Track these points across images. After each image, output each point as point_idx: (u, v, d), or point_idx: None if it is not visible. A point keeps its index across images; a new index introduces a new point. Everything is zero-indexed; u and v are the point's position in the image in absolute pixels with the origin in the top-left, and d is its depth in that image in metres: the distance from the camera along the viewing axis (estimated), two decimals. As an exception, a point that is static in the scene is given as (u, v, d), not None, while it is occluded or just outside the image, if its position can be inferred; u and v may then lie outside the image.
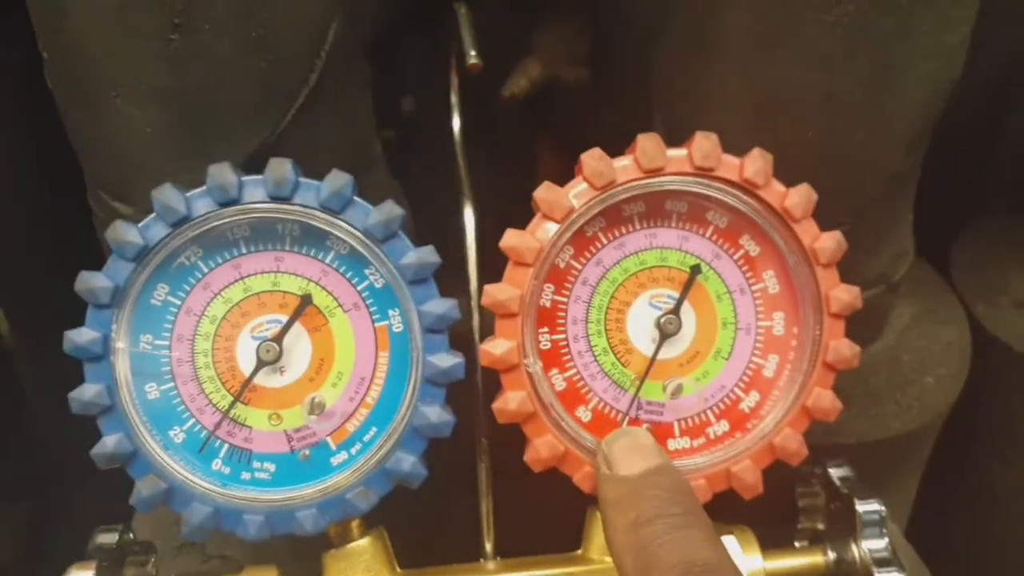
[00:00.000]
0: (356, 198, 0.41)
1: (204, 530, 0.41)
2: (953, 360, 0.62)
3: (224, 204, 0.40)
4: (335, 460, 0.43)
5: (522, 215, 0.43)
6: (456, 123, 0.55)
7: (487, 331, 0.43)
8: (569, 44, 0.76)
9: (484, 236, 0.48)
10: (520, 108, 0.75)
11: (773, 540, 0.47)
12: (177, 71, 0.42)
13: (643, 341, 0.44)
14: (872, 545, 0.44)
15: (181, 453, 0.42)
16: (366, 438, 0.43)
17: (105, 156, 0.46)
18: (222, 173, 0.40)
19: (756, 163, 0.43)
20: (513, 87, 0.74)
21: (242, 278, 0.42)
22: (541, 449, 0.42)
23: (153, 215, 0.40)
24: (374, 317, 0.43)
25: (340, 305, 0.43)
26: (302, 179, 0.41)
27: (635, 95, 0.59)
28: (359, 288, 0.43)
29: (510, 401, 0.42)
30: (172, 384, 0.42)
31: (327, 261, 0.42)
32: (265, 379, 0.42)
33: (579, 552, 0.46)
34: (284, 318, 0.42)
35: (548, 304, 0.43)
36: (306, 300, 0.42)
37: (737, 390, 0.45)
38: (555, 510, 0.48)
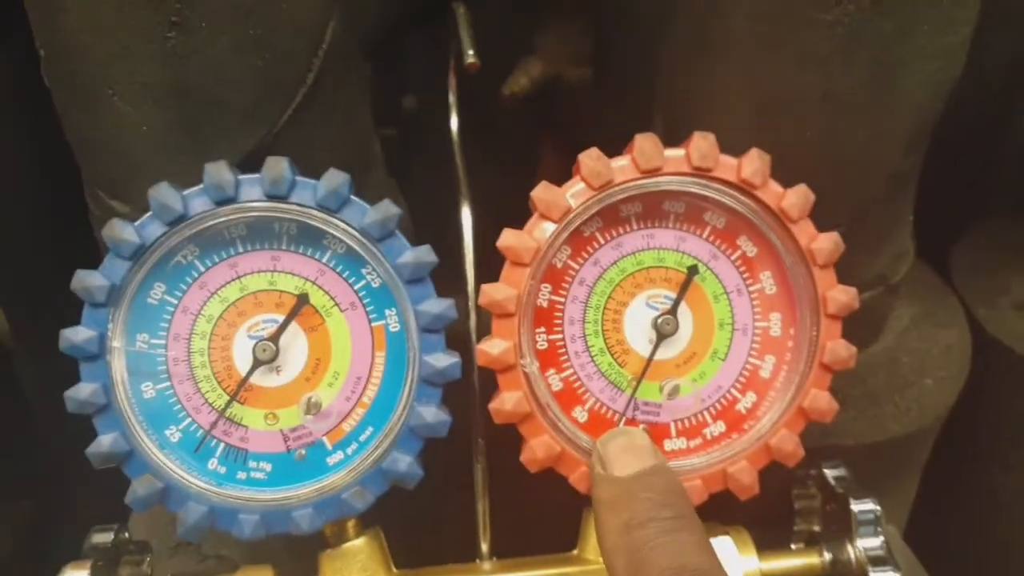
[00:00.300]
0: (353, 197, 0.41)
1: (200, 529, 0.41)
2: (953, 362, 0.62)
3: (221, 203, 0.40)
4: (331, 460, 0.43)
5: (523, 216, 0.43)
6: (454, 123, 0.55)
7: (484, 331, 0.43)
8: (571, 44, 0.76)
9: (484, 237, 0.48)
10: (521, 108, 0.75)
11: (769, 541, 0.47)
12: (174, 69, 0.42)
13: (640, 342, 0.44)
14: (867, 544, 0.44)
15: (177, 452, 0.42)
16: (362, 438, 0.43)
17: (102, 154, 0.46)
18: (219, 171, 0.40)
19: (754, 163, 0.43)
20: (513, 85, 0.74)
21: (239, 277, 0.42)
22: (537, 449, 0.42)
23: (150, 213, 0.40)
24: (371, 317, 0.43)
25: (337, 304, 0.43)
26: (299, 178, 0.41)
27: (637, 95, 0.59)
28: (356, 287, 0.43)
29: (506, 401, 0.42)
30: (168, 383, 0.42)
31: (324, 260, 0.42)
32: (261, 379, 0.42)
33: (575, 553, 0.46)
34: (281, 317, 0.42)
35: (545, 304, 0.43)
36: (303, 299, 0.42)
37: (734, 391, 0.45)
38: (552, 511, 0.47)
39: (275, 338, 0.42)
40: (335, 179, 0.40)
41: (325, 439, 0.43)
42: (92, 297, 0.40)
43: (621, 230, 0.44)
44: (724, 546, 0.45)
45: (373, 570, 0.44)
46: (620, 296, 0.44)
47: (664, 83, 0.57)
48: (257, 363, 0.42)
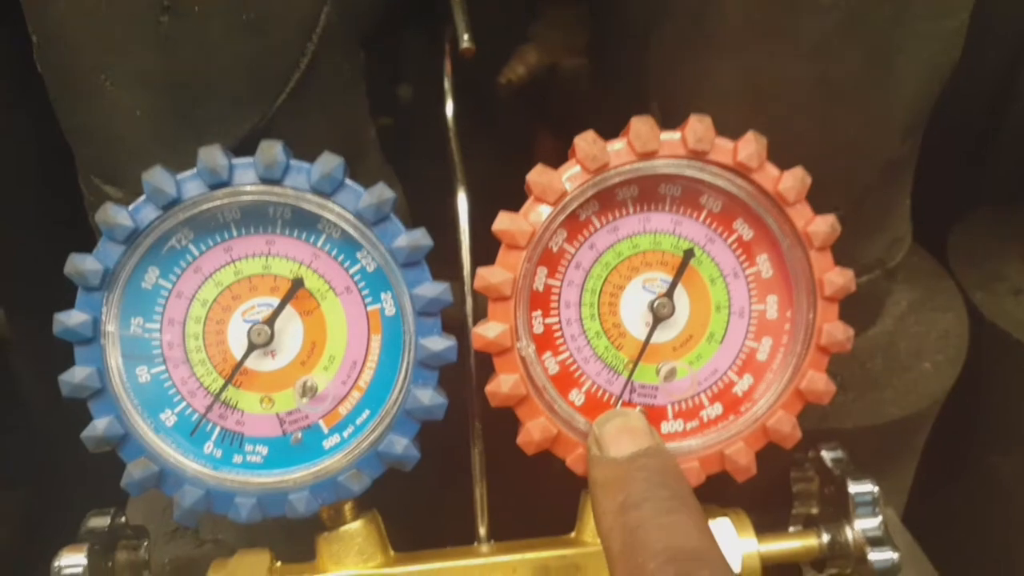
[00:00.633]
0: (348, 181, 0.41)
1: (196, 513, 0.41)
2: (950, 346, 0.62)
3: (215, 186, 0.40)
4: (327, 443, 0.43)
5: (518, 203, 0.43)
6: (449, 108, 0.55)
7: (480, 317, 0.43)
8: (566, 33, 0.76)
9: (481, 224, 0.48)
10: (517, 97, 0.75)
11: (767, 524, 0.47)
12: (166, 54, 0.41)
13: (636, 325, 0.44)
14: (865, 525, 0.44)
15: (172, 436, 0.42)
16: (359, 421, 0.43)
17: (95, 140, 0.46)
18: (212, 155, 0.40)
19: (750, 146, 0.43)
20: (510, 74, 0.74)
21: (233, 261, 0.42)
22: (534, 432, 0.42)
23: (143, 197, 0.40)
24: (366, 300, 0.43)
25: (332, 288, 0.43)
26: (293, 161, 0.41)
27: (632, 83, 0.59)
28: (351, 271, 0.43)
29: (503, 384, 0.42)
30: (163, 367, 0.42)
31: (318, 244, 0.42)
32: (257, 362, 0.42)
33: (572, 535, 0.46)
34: (275, 301, 0.42)
35: (541, 288, 0.43)
36: (297, 283, 0.42)
37: (730, 373, 0.45)
38: (549, 495, 0.47)
39: (270, 322, 0.42)
40: (329, 163, 0.40)
41: (321, 422, 0.43)
42: (86, 281, 0.40)
43: (617, 213, 0.44)
44: (723, 528, 0.45)
45: (370, 553, 0.44)
46: (616, 279, 0.44)
47: (659, 70, 0.57)
48: (252, 347, 0.42)
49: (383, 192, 0.41)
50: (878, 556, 0.44)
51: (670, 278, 0.44)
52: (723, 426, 0.45)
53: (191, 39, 0.41)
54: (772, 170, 0.43)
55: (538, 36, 0.76)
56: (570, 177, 0.42)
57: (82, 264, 0.40)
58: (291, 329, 0.42)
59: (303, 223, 0.42)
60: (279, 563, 0.45)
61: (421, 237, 0.41)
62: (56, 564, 0.41)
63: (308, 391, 0.42)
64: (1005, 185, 0.81)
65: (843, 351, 0.44)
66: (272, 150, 0.40)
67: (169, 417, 0.42)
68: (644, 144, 0.42)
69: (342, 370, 0.43)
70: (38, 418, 0.75)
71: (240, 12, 0.42)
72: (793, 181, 0.43)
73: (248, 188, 0.41)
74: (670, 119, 0.44)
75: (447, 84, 0.54)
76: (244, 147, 0.43)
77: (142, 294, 0.42)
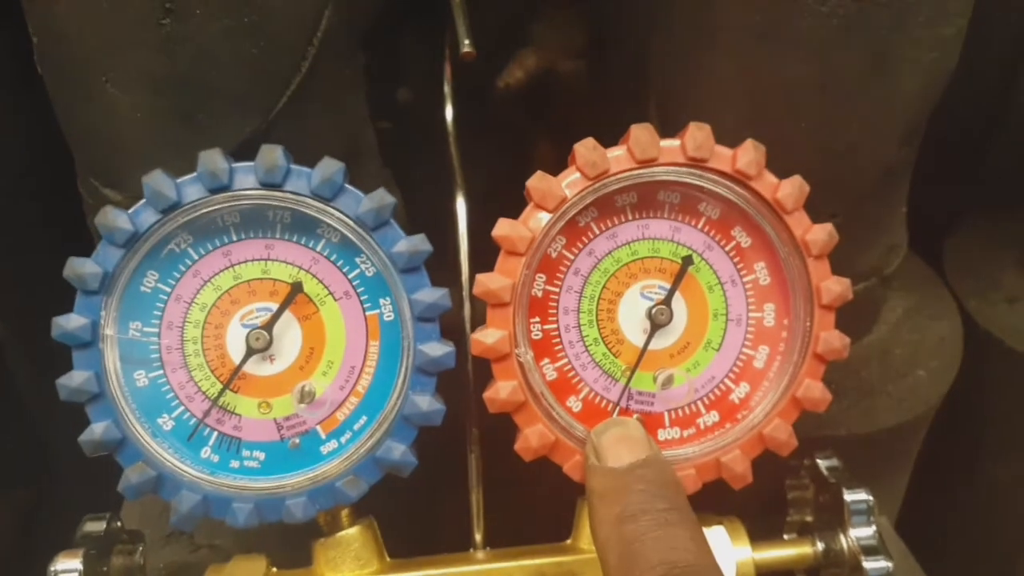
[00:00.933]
0: (348, 186, 0.41)
1: (193, 518, 0.41)
2: (945, 354, 0.62)
3: (214, 190, 0.40)
4: (325, 448, 0.43)
5: (516, 209, 0.43)
6: (449, 112, 0.55)
7: (478, 323, 0.43)
8: (565, 36, 0.76)
9: (480, 229, 0.48)
10: (516, 101, 0.75)
11: (762, 532, 0.47)
12: (168, 56, 0.41)
13: (634, 332, 0.44)
14: (860, 533, 0.44)
15: (170, 441, 0.42)
16: (356, 426, 0.43)
17: (95, 142, 0.46)
18: (212, 159, 0.40)
19: (748, 154, 0.43)
20: (509, 78, 0.74)
21: (232, 265, 0.42)
22: (531, 438, 0.42)
23: (143, 201, 0.40)
24: (365, 306, 0.43)
25: (331, 293, 0.43)
26: (293, 166, 0.41)
27: (632, 87, 0.59)
28: (350, 276, 0.43)
29: (501, 390, 0.42)
30: (161, 371, 0.42)
31: (318, 249, 0.42)
32: (255, 367, 0.42)
33: (568, 542, 0.46)
34: (274, 306, 0.42)
35: (540, 294, 0.43)
36: (296, 288, 0.42)
37: (727, 381, 0.45)
38: (545, 502, 0.48)
39: (269, 326, 0.42)
40: (330, 167, 0.40)
41: (319, 428, 0.43)
42: (85, 284, 0.40)
43: (616, 220, 0.44)
44: (718, 536, 0.45)
45: (367, 559, 0.44)
46: (615, 286, 0.44)
47: (658, 74, 0.57)
48: (251, 351, 0.42)
49: (383, 197, 0.41)
50: (872, 565, 0.44)
51: (668, 285, 0.44)
52: (720, 434, 0.45)
53: (192, 41, 0.41)
54: (770, 178, 0.43)
55: (537, 40, 0.76)
56: (569, 183, 0.42)
57: (81, 267, 0.40)
58: (290, 334, 0.42)
59: (303, 228, 0.42)
60: (275, 569, 0.45)
61: (420, 242, 0.41)
62: (52, 569, 0.41)
63: (306, 396, 0.42)
64: (999, 194, 0.81)
65: (840, 359, 0.44)
66: (273, 154, 0.40)
67: (167, 421, 0.42)
68: (644, 151, 0.42)
69: (340, 375, 0.43)
70: (36, 420, 0.75)
71: (241, 15, 0.42)
72: (791, 189, 0.43)
73: (248, 192, 0.40)
74: (668, 121, 0.44)
75: (447, 88, 0.55)
76: (244, 150, 0.43)
77: (141, 298, 0.41)
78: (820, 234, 0.44)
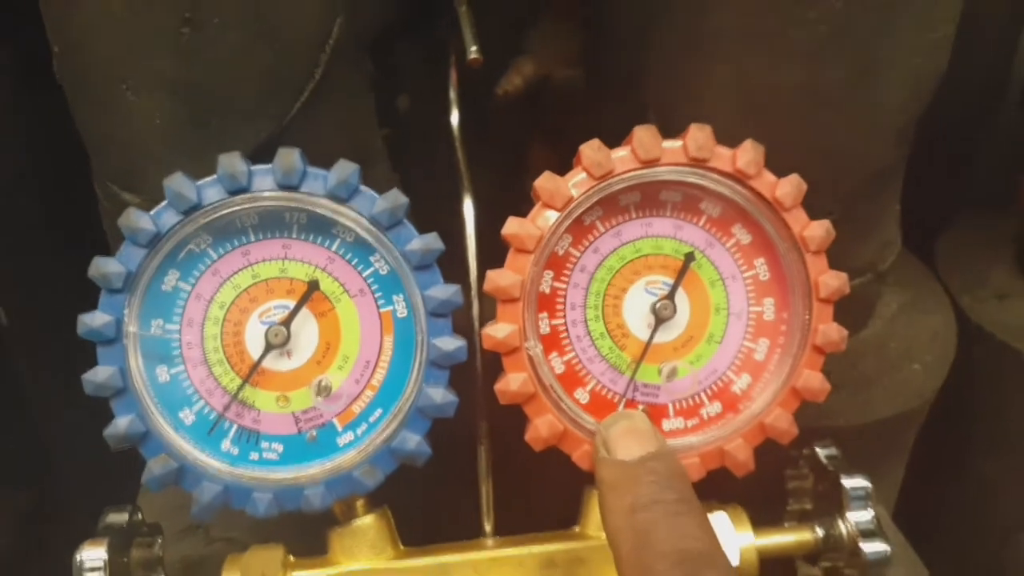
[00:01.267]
0: (362, 187, 0.42)
1: (214, 508, 0.42)
2: (939, 348, 0.64)
3: (234, 192, 0.42)
4: (341, 440, 0.44)
5: (513, 211, 0.44)
6: (455, 118, 0.56)
7: (485, 321, 0.44)
8: (561, 44, 0.77)
9: (477, 231, 0.49)
10: (513, 106, 0.76)
11: (763, 522, 0.49)
12: (187, 64, 0.43)
13: (639, 326, 0.46)
14: (858, 518, 0.46)
15: (191, 434, 0.43)
16: (372, 419, 0.44)
17: (114, 147, 0.47)
18: (232, 162, 0.41)
19: (748, 154, 0.44)
20: (507, 85, 0.76)
21: (251, 264, 0.43)
22: (541, 428, 0.44)
23: (165, 203, 0.42)
24: (379, 303, 0.44)
25: (346, 291, 0.44)
26: (310, 168, 0.42)
27: (629, 93, 0.61)
28: (364, 274, 0.44)
29: (512, 382, 0.43)
30: (182, 367, 0.43)
31: (333, 248, 0.44)
32: (273, 362, 0.44)
33: (576, 529, 0.47)
34: (291, 303, 0.43)
35: (547, 290, 0.45)
36: (313, 286, 0.43)
37: (729, 373, 0.47)
38: (551, 493, 0.49)
39: (287, 323, 0.43)
40: (345, 169, 0.42)
41: (335, 420, 0.44)
42: (109, 283, 0.41)
43: (621, 219, 0.45)
44: (721, 522, 0.47)
45: (381, 547, 0.45)
46: (620, 282, 0.46)
47: (655, 80, 0.58)
48: (269, 347, 0.43)
49: (397, 198, 0.42)
50: (870, 548, 0.45)
51: (671, 281, 0.46)
52: (722, 423, 0.46)
53: (210, 50, 0.43)
54: (769, 176, 0.45)
55: (533, 48, 0.78)
56: (576, 183, 0.44)
57: (106, 267, 0.41)
58: (307, 330, 0.44)
59: (318, 228, 0.43)
60: (292, 557, 0.46)
61: (433, 241, 0.43)
62: (78, 558, 0.42)
63: (323, 390, 0.44)
64: (990, 193, 0.83)
65: (838, 351, 0.46)
66: (290, 157, 0.41)
67: (188, 416, 0.43)
68: (647, 152, 0.44)
69: (355, 370, 0.44)
70: (37, 421, 0.76)
71: (257, 25, 0.43)
72: (789, 187, 0.45)
73: (266, 194, 0.42)
74: (667, 125, 0.46)
75: (452, 95, 0.56)
76: (258, 155, 0.44)
77: (162, 296, 0.43)
78: (818, 230, 0.45)
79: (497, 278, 0.43)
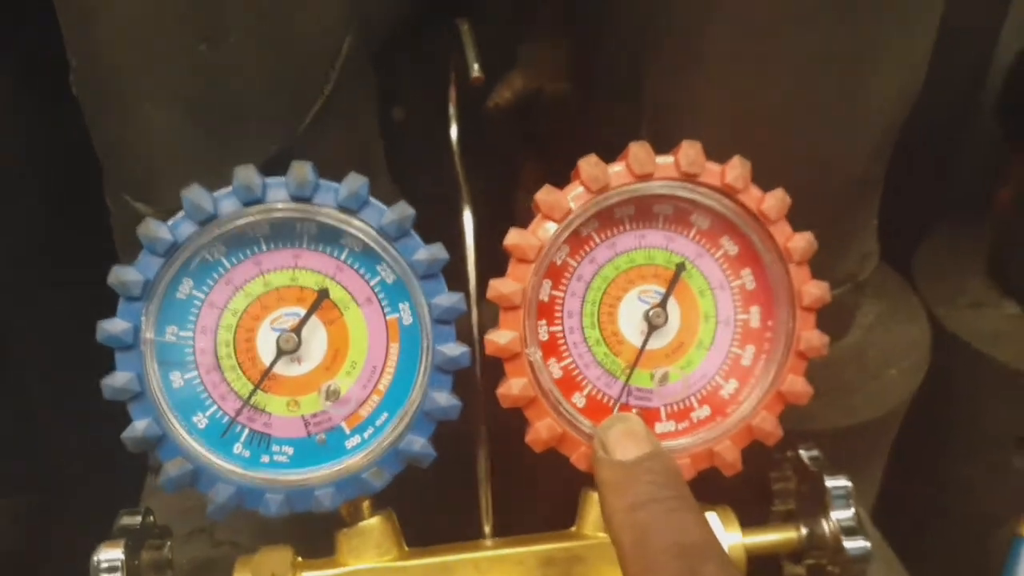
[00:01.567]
0: (371, 199, 0.44)
1: (228, 508, 0.44)
2: (915, 355, 0.66)
3: (248, 204, 0.43)
4: (349, 443, 0.46)
5: (505, 221, 0.46)
6: (454, 131, 0.58)
7: (484, 329, 0.46)
8: (550, 59, 0.80)
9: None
10: (503, 120, 0.78)
11: (750, 522, 0.51)
12: (204, 79, 0.45)
13: (633, 333, 0.48)
14: (840, 516, 0.48)
15: (205, 437, 0.45)
16: (378, 422, 0.46)
17: (128, 158, 0.49)
18: (248, 174, 0.43)
19: (736, 169, 0.47)
20: (498, 98, 0.78)
21: (263, 273, 0.45)
22: (541, 431, 0.46)
23: (182, 213, 0.43)
24: (385, 311, 0.46)
25: (354, 299, 0.46)
26: (321, 181, 0.44)
27: (623, 108, 0.63)
28: (371, 283, 0.46)
29: (513, 387, 0.45)
30: (196, 373, 0.45)
31: (342, 258, 0.45)
32: (284, 368, 0.45)
33: (574, 529, 0.49)
34: (301, 311, 0.45)
35: (546, 298, 0.47)
36: (323, 294, 0.45)
37: (718, 378, 0.49)
38: (547, 495, 0.51)
39: (297, 330, 0.45)
40: (355, 182, 0.44)
41: (343, 424, 0.46)
42: (128, 291, 0.43)
43: (616, 230, 0.48)
44: (711, 522, 0.49)
45: (387, 547, 0.47)
46: (614, 291, 0.48)
47: (649, 96, 0.61)
48: (280, 353, 0.45)
49: (404, 209, 0.44)
50: (853, 545, 0.48)
51: (663, 290, 0.48)
52: (712, 426, 0.48)
53: (227, 65, 0.45)
54: (756, 191, 0.47)
55: (524, 62, 0.80)
56: (574, 196, 0.46)
57: (125, 275, 0.43)
58: (316, 337, 0.46)
59: (328, 238, 0.45)
60: (300, 558, 0.48)
61: (439, 251, 0.45)
62: (95, 559, 0.43)
63: (331, 395, 0.45)
64: (964, 207, 0.86)
65: (820, 357, 0.48)
66: (303, 170, 0.43)
67: (201, 420, 0.45)
68: (641, 167, 0.46)
69: (363, 375, 0.46)
70: (41, 427, 0.77)
71: (272, 41, 0.45)
72: (775, 201, 0.47)
73: (279, 205, 0.44)
74: (660, 140, 0.48)
75: (452, 111, 0.58)
76: (269, 167, 0.46)
77: (177, 304, 0.44)
78: (801, 242, 0.48)
79: (500, 286, 0.45)
